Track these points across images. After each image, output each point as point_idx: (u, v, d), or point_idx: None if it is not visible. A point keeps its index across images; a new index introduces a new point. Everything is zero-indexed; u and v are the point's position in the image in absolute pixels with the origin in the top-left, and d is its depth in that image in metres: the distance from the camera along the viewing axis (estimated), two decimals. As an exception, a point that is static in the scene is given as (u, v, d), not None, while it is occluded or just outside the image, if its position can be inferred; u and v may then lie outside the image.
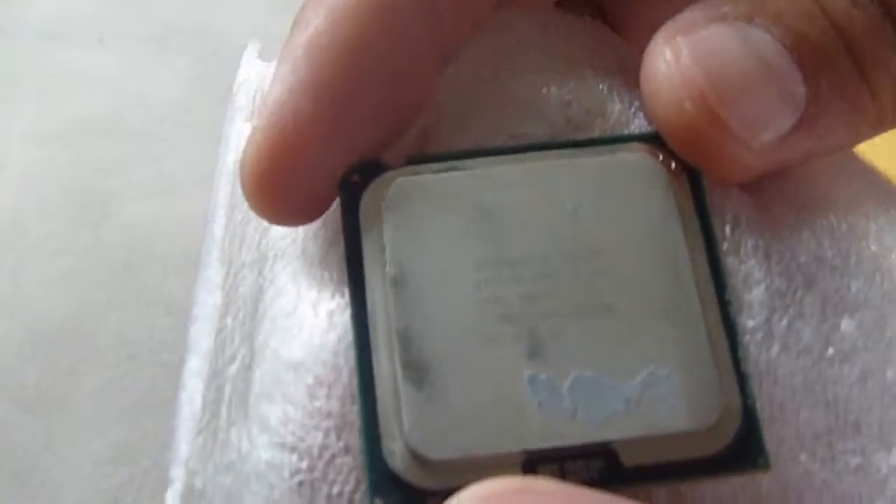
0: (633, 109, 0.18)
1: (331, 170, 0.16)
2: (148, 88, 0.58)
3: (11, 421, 0.51)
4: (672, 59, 0.16)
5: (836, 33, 0.16)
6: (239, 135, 0.18)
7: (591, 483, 0.15)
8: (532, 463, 0.15)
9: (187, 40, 0.59)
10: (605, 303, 0.16)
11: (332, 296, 0.15)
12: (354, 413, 0.15)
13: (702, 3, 0.17)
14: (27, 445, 0.50)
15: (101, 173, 0.56)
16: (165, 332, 0.52)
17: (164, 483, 0.51)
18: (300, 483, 0.14)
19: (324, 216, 0.17)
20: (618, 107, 0.18)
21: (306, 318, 0.15)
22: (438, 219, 0.16)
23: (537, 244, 0.16)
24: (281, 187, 0.15)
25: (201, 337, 0.15)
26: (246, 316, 0.16)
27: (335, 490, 0.14)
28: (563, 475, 0.15)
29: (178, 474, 0.14)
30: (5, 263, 0.54)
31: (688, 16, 0.16)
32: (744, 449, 0.16)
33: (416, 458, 0.14)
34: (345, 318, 0.15)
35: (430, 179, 0.16)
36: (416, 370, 0.14)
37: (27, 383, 0.51)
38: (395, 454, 0.14)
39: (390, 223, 0.16)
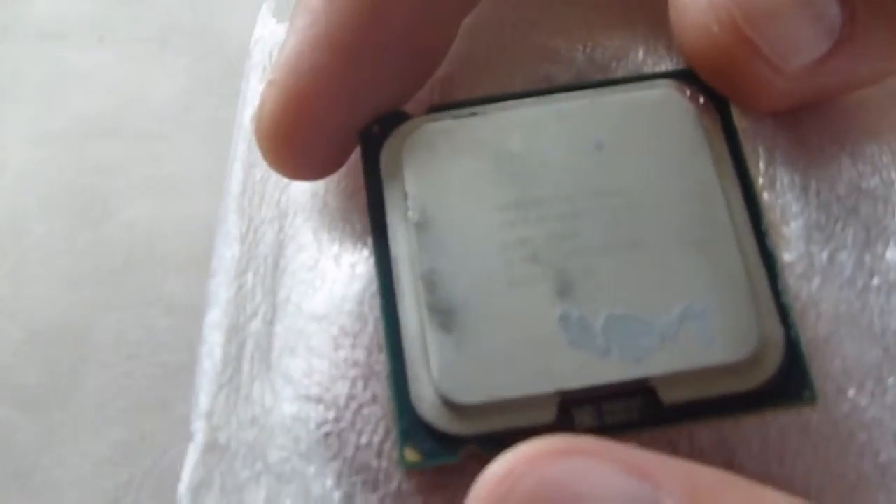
0: (657, 54, 0.17)
1: (349, 123, 0.15)
2: (148, 88, 0.58)
3: (11, 421, 0.51)
4: None
5: None
6: (254, 92, 0.17)
7: (630, 424, 0.14)
8: (567, 404, 0.14)
9: (187, 40, 0.59)
10: (636, 238, 0.15)
11: (355, 247, 0.15)
12: (381, 362, 0.14)
13: None
14: (27, 445, 0.50)
15: (101, 173, 0.56)
16: (165, 332, 0.52)
17: (165, 483, 0.51)
18: (326, 434, 0.13)
19: (344, 168, 0.16)
20: (642, 50, 0.17)
21: (328, 270, 0.15)
22: (461, 163, 0.15)
23: (563, 183, 0.15)
24: (297, 143, 0.14)
25: (220, 290, 0.15)
26: (267, 272, 0.16)
27: (363, 440, 0.14)
28: (600, 417, 0.14)
29: (199, 427, 0.14)
30: (5, 263, 0.54)
31: None
32: (788, 382, 0.15)
33: (447, 403, 0.14)
34: (368, 267, 0.15)
35: (452, 125, 0.16)
36: (444, 314, 0.14)
37: (27, 383, 0.51)
38: (425, 401, 0.14)
39: (412, 170, 0.15)
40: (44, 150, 0.56)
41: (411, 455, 0.13)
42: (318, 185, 0.16)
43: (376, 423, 0.14)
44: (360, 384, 0.14)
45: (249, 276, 0.16)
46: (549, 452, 0.12)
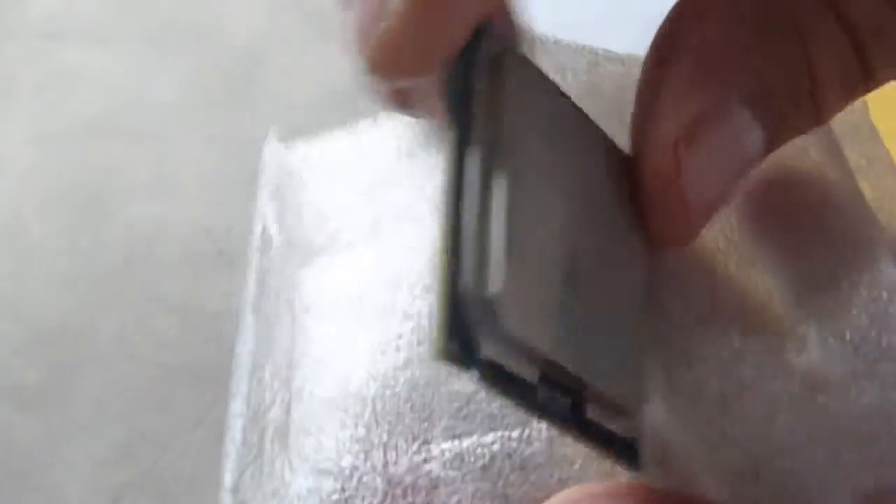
0: None
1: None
2: (148, 88, 0.58)
3: (11, 421, 0.51)
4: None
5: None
6: (263, 211, 0.18)
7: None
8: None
9: (187, 40, 0.59)
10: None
11: (356, 339, 0.16)
12: (379, 435, 0.15)
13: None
14: (27, 445, 0.50)
15: (101, 173, 0.56)
16: (165, 332, 0.52)
17: (165, 483, 0.51)
18: (335, 501, 0.15)
19: (349, 268, 0.17)
20: None
21: (335, 362, 0.16)
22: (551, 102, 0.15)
23: None
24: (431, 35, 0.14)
25: (241, 384, 0.17)
26: (283, 366, 0.17)
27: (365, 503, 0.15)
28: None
29: (226, 499, 0.16)
30: (5, 263, 0.54)
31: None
32: None
33: (487, 322, 0.13)
34: (370, 355, 0.16)
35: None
36: (510, 239, 0.13)
37: (27, 383, 0.51)
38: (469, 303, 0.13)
39: (506, 97, 0.14)
40: (44, 150, 0.56)
41: (442, 347, 0.13)
42: (324, 285, 0.17)
43: (374, 489, 0.15)
44: (361, 457, 0.15)
45: (267, 370, 0.17)
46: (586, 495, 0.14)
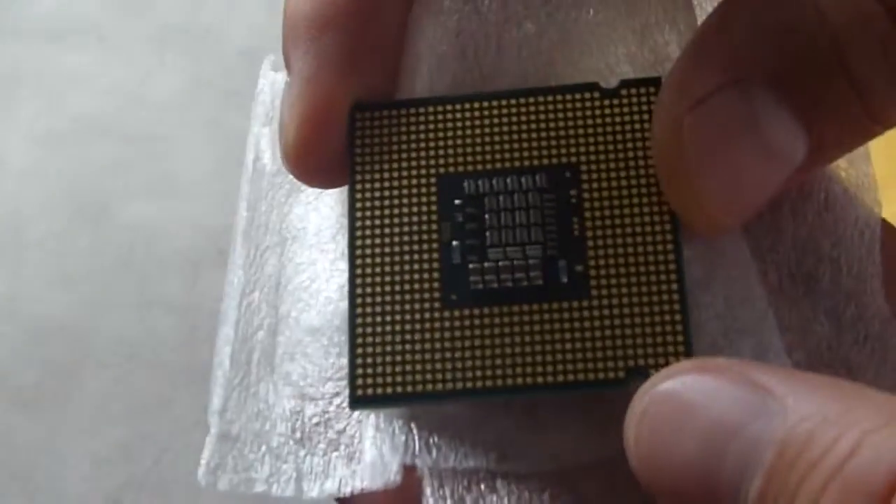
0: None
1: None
2: (148, 88, 0.58)
3: (11, 421, 0.51)
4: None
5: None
6: (256, 138, 0.19)
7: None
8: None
9: (187, 40, 0.59)
10: None
11: (344, 270, 0.17)
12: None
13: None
14: (27, 445, 0.50)
15: (101, 173, 0.56)
16: (165, 332, 0.52)
17: (165, 483, 0.51)
18: (316, 424, 0.16)
19: (336, 196, 0.18)
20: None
21: (321, 290, 0.17)
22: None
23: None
24: (316, 150, 0.16)
25: (230, 310, 0.18)
26: (271, 290, 0.18)
27: (340, 426, 0.16)
28: None
29: (213, 421, 0.17)
30: (5, 263, 0.54)
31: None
32: None
33: None
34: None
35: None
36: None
37: (27, 383, 0.51)
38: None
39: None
40: (44, 150, 0.56)
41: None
42: (310, 217, 0.18)
43: (351, 415, 0.16)
44: (342, 384, 0.16)
45: (256, 294, 0.18)
46: (668, 374, 0.14)
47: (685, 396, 0.13)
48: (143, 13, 0.60)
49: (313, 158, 0.16)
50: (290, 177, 0.17)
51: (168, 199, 0.55)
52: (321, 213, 0.18)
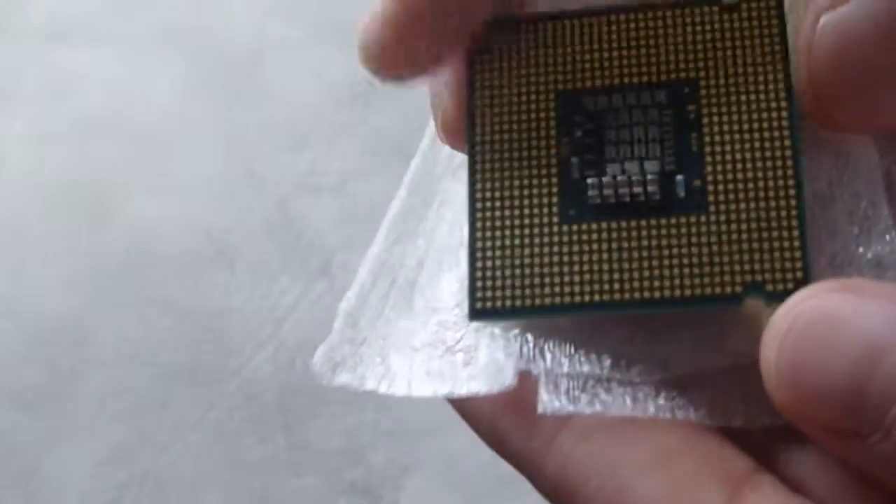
0: None
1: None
2: (148, 88, 0.58)
3: (11, 421, 0.51)
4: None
5: None
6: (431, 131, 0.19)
7: None
8: None
9: (187, 40, 0.59)
10: None
11: None
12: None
13: None
14: (27, 445, 0.50)
15: (101, 173, 0.56)
16: (165, 332, 0.52)
17: (165, 483, 0.51)
18: (435, 331, 0.17)
19: None
20: None
21: (462, 255, 0.18)
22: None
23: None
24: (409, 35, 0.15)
25: (377, 244, 0.19)
26: (419, 233, 0.19)
27: (458, 334, 0.17)
28: None
29: (339, 319, 0.18)
30: (5, 263, 0.54)
31: None
32: None
33: None
34: None
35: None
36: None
37: (27, 383, 0.51)
38: None
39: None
40: (44, 150, 0.56)
41: None
42: (462, 183, 0.18)
43: (469, 325, 0.17)
44: (461, 295, 0.17)
45: (408, 235, 0.19)
46: (813, 293, 0.13)
47: (834, 313, 0.13)
48: (143, 13, 0.60)
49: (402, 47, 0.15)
50: (443, 153, 0.17)
51: (168, 199, 0.55)
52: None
